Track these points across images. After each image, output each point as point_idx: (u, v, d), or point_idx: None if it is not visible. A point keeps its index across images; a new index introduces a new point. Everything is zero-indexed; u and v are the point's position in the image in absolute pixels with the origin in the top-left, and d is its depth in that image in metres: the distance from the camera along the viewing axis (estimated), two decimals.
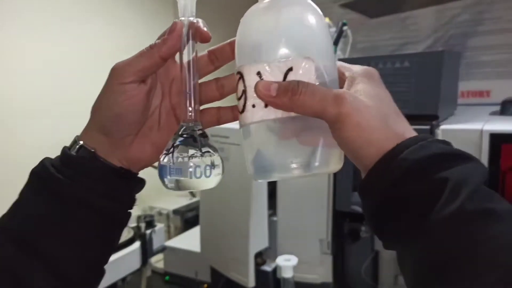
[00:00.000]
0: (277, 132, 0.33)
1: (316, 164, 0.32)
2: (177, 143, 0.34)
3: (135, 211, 1.34)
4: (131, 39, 1.42)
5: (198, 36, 0.36)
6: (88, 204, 0.35)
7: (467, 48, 1.51)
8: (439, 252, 0.25)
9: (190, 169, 0.33)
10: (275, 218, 1.06)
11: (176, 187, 0.34)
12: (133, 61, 0.35)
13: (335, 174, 0.96)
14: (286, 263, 0.89)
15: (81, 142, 0.36)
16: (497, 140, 0.80)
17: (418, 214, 0.27)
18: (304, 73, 0.31)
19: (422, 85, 0.93)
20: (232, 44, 0.37)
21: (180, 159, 0.33)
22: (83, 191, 0.35)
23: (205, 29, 0.36)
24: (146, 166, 0.39)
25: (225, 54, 0.39)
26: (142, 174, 0.41)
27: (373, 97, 0.31)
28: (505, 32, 1.46)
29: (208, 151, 0.34)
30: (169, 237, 1.38)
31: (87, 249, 0.36)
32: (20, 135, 1.19)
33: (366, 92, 0.31)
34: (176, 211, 1.43)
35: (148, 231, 1.14)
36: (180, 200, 1.51)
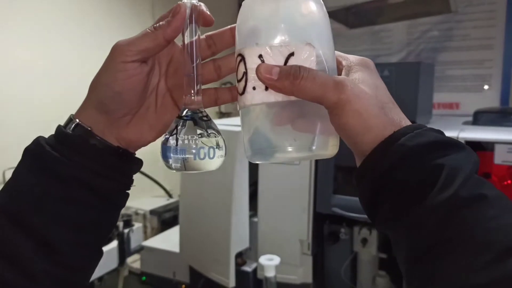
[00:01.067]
0: (276, 115, 0.33)
1: (313, 148, 0.33)
2: (181, 124, 0.34)
3: None
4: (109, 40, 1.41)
5: (201, 19, 0.36)
6: (84, 183, 0.34)
7: (437, 62, 1.59)
8: (435, 233, 0.27)
9: (194, 150, 0.33)
10: (256, 219, 1.07)
11: (181, 167, 0.34)
12: (137, 40, 0.34)
13: (316, 177, 0.99)
14: (269, 262, 0.90)
15: (77, 120, 0.35)
16: (472, 147, 0.85)
17: (415, 198, 0.28)
18: (306, 58, 0.32)
19: (400, 92, 0.97)
20: (233, 30, 0.37)
21: (185, 141, 0.33)
22: (79, 169, 0.34)
23: (208, 12, 0.36)
24: (143, 146, 0.39)
25: (224, 40, 0.38)
26: None
27: (370, 85, 0.31)
28: (472, 49, 1.55)
29: (213, 133, 0.35)
30: (146, 237, 1.36)
31: (82, 229, 0.35)
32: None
33: (363, 81, 0.31)
34: (153, 212, 1.41)
35: (126, 230, 1.12)
36: (157, 201, 1.49)
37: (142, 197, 1.50)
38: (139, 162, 0.40)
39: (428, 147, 0.29)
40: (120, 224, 1.13)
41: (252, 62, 0.32)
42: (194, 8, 0.35)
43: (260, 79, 0.31)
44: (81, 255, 0.35)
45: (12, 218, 0.33)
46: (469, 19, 1.54)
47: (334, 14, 1.42)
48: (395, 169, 0.29)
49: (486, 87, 1.52)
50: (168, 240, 1.25)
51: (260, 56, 0.32)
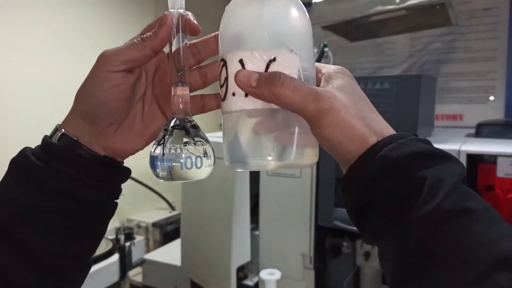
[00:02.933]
0: (255, 122, 0.33)
1: (291, 157, 0.33)
2: (169, 133, 0.34)
3: (113, 223, 1.32)
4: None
5: (188, 28, 0.36)
6: (70, 193, 0.34)
7: (440, 73, 1.59)
8: (419, 249, 0.26)
9: (181, 160, 0.33)
10: (257, 233, 1.06)
11: (168, 176, 0.34)
12: (124, 50, 0.34)
13: (317, 190, 0.98)
14: (269, 277, 0.89)
15: (63, 130, 0.35)
16: (474, 160, 0.85)
17: (396, 212, 0.27)
18: (287, 65, 0.31)
19: (401, 106, 0.97)
20: (217, 37, 0.36)
21: (172, 150, 0.33)
22: (65, 179, 0.34)
23: (195, 22, 0.36)
24: (130, 155, 0.39)
25: (208, 47, 0.38)
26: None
27: (349, 93, 0.31)
28: (475, 61, 1.54)
29: (201, 141, 0.35)
30: (148, 250, 1.36)
31: (69, 240, 0.34)
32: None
33: (342, 88, 0.31)
34: (155, 224, 1.41)
35: (127, 244, 1.12)
36: (160, 213, 1.49)
37: (145, 210, 1.50)
38: (127, 171, 0.39)
39: (411, 158, 0.28)
40: (122, 237, 1.13)
41: (233, 67, 0.32)
42: (181, 17, 0.35)
43: (238, 85, 0.31)
44: (67, 266, 0.35)
45: None
46: (472, 31, 1.54)
47: (334, 28, 1.42)
48: (378, 181, 0.28)
49: (491, 97, 1.51)
50: (170, 253, 1.25)
51: (241, 61, 0.32)
